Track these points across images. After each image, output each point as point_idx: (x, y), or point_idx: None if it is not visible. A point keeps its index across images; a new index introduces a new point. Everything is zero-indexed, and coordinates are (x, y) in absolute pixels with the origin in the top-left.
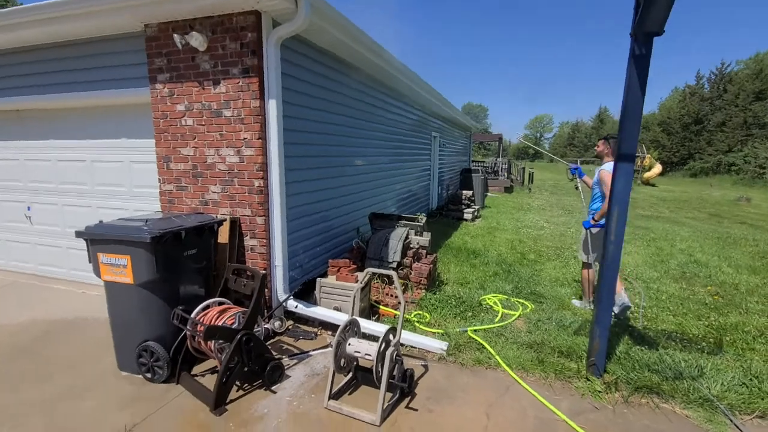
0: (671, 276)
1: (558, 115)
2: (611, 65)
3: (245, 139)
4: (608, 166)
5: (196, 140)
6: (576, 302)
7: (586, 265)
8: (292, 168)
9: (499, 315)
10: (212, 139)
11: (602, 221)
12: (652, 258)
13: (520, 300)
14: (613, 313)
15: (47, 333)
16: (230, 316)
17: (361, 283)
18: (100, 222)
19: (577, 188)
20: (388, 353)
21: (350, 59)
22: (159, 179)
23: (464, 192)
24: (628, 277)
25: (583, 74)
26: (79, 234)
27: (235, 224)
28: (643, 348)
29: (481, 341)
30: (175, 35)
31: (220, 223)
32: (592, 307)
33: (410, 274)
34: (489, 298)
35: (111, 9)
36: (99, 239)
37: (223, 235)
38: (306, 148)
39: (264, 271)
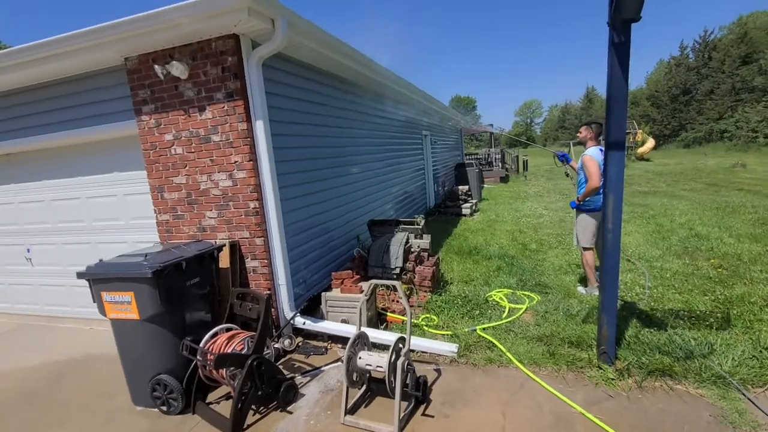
0: (674, 252)
1: (547, 99)
2: (593, 42)
3: (236, 162)
4: (590, 151)
5: (187, 168)
6: (581, 289)
7: (586, 249)
8: (286, 185)
9: (506, 310)
10: (203, 165)
11: (589, 202)
12: (653, 236)
13: (526, 293)
14: (592, 294)
15: (58, 375)
16: (239, 342)
17: (365, 294)
18: (100, 261)
19: (567, 175)
20: (399, 364)
21: (334, 70)
22: (155, 210)
23: (460, 187)
24: (631, 258)
25: (566, 55)
26: (80, 275)
27: (234, 248)
28: (652, 330)
29: (491, 339)
30: (156, 66)
31: (220, 248)
32: (597, 292)
33: (414, 278)
34: (495, 294)
35: (91, 46)
36: (101, 278)
37: (224, 260)
38: (298, 164)
39: (268, 292)
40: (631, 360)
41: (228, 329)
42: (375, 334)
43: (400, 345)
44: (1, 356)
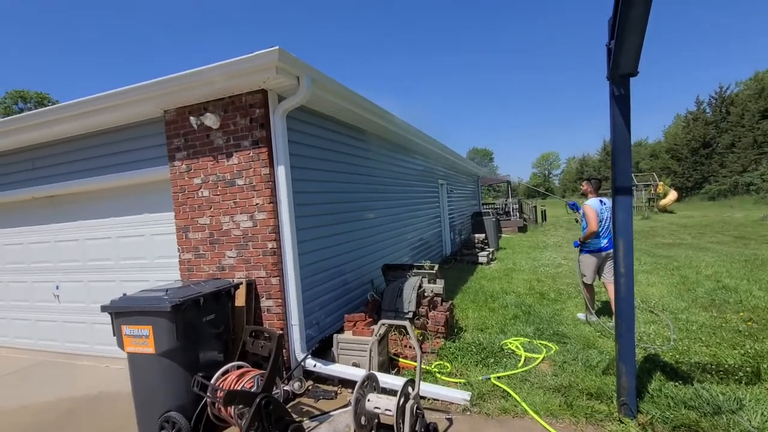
0: (700, 304)
1: (564, 151)
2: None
3: (257, 204)
4: (590, 201)
5: (212, 209)
6: (581, 315)
7: (586, 285)
8: (304, 227)
9: (522, 359)
10: (227, 207)
11: (589, 244)
12: (678, 287)
13: (543, 342)
14: (590, 320)
15: (71, 411)
16: (249, 380)
17: (376, 335)
18: (124, 295)
19: (576, 221)
20: (408, 407)
21: (353, 121)
22: (178, 249)
23: (477, 236)
24: (654, 309)
25: (583, 108)
26: (104, 308)
27: (251, 286)
28: (677, 383)
29: (505, 388)
30: (191, 117)
31: (237, 286)
32: (595, 318)
33: (427, 323)
34: (510, 342)
35: (136, 100)
36: (123, 312)
37: (240, 299)
38: (316, 208)
39: (281, 331)
40: (655, 414)
41: (239, 367)
42: (385, 379)
43: (409, 388)
44: (18, 391)
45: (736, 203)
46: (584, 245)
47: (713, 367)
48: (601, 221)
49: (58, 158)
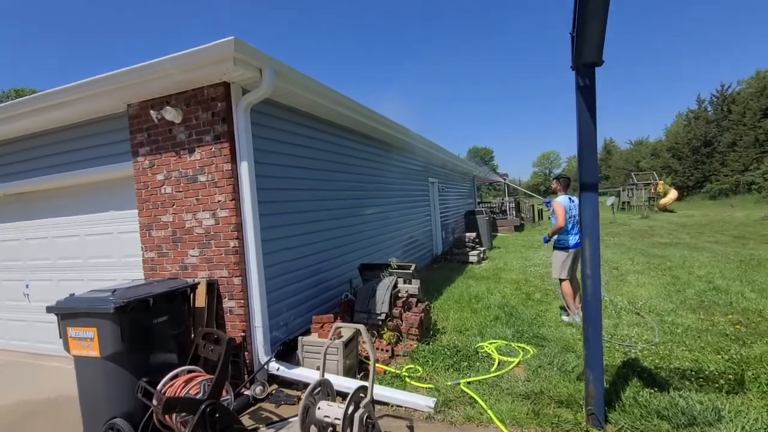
0: (688, 306)
1: (564, 150)
2: (606, 92)
3: (219, 201)
4: (559, 198)
5: (174, 207)
6: (564, 318)
7: (563, 281)
8: (270, 225)
9: (496, 363)
10: (189, 204)
11: (562, 241)
12: (668, 288)
13: (521, 345)
14: (574, 322)
15: (28, 415)
16: (195, 385)
17: (330, 339)
18: (71, 295)
19: (549, 217)
20: (357, 416)
21: (331, 118)
22: (142, 247)
23: (468, 234)
24: (641, 311)
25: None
26: (49, 309)
27: (212, 287)
28: (653, 390)
29: (472, 395)
30: (152, 111)
31: (194, 286)
32: (579, 318)
33: (401, 325)
34: (487, 346)
35: (94, 94)
36: (68, 313)
37: (200, 299)
38: (285, 205)
39: (243, 334)
40: (624, 424)
41: (190, 371)
42: (349, 384)
43: (361, 395)
44: None
45: (737, 202)
46: (557, 242)
47: (693, 373)
48: (570, 218)
49: (25, 154)
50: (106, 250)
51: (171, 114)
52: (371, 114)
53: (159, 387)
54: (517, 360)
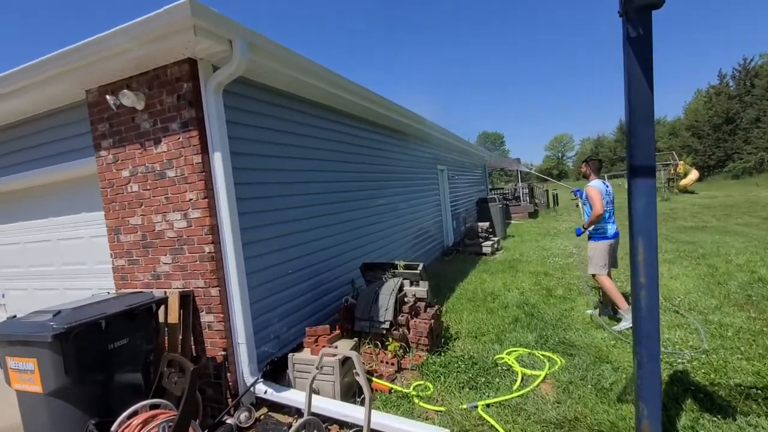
0: (734, 302)
1: (578, 133)
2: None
3: (191, 200)
4: (593, 182)
5: (143, 207)
6: (591, 311)
7: (602, 276)
8: (253, 225)
9: (519, 378)
10: (158, 204)
11: (600, 231)
12: (706, 280)
13: (546, 353)
14: (620, 331)
15: None
16: (154, 427)
17: (317, 368)
18: (12, 317)
19: (577, 206)
20: None
21: (320, 99)
22: (111, 254)
23: (481, 224)
24: (680, 309)
25: (596, 87)
26: None
27: (186, 299)
28: (715, 418)
29: (494, 423)
30: (108, 96)
31: (161, 301)
32: (629, 322)
33: (408, 333)
34: (507, 356)
35: (46, 79)
36: (5, 340)
37: (173, 314)
38: (271, 201)
39: (224, 353)
40: None
41: (153, 406)
42: (345, 411)
43: None
44: None
45: (762, 181)
46: (594, 232)
47: (759, 391)
48: (606, 204)
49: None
50: (80, 256)
51: (129, 99)
52: (371, 96)
53: (113, 428)
54: (543, 374)
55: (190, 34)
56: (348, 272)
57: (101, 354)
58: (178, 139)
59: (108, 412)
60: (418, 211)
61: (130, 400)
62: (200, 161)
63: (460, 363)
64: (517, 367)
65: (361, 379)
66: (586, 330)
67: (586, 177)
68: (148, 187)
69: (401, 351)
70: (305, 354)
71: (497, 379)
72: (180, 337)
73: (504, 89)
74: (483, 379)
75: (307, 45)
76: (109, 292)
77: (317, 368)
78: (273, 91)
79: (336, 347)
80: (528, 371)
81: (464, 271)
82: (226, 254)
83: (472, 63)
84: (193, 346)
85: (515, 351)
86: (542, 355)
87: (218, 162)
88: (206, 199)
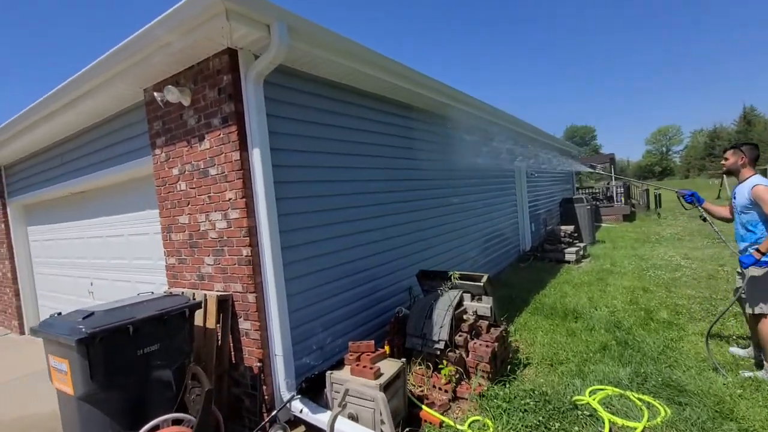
0: None
1: (687, 124)
2: (749, 57)
3: (230, 199)
4: (757, 180)
5: (190, 206)
6: (735, 350)
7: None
8: (294, 228)
9: (606, 430)
10: (202, 203)
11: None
12: None
13: (645, 397)
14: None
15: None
16: None
17: (341, 400)
18: (58, 314)
19: (704, 219)
20: None
21: (375, 90)
22: (164, 252)
23: (564, 227)
24: None
25: (710, 76)
26: (33, 332)
27: (225, 304)
28: None
29: None
30: (156, 93)
31: (196, 305)
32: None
33: (465, 357)
34: (590, 396)
35: (106, 79)
36: (46, 338)
37: (210, 319)
38: (316, 202)
39: (259, 364)
40: None
41: (176, 421)
42: None
43: None
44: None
45: None
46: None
47: None
48: None
49: (79, 151)
50: (145, 251)
51: (174, 94)
52: (436, 85)
53: None
54: (640, 427)
55: (223, 20)
56: (407, 278)
57: (130, 360)
58: (219, 135)
59: (137, 420)
60: (490, 212)
61: (161, 408)
62: (239, 158)
63: (528, 399)
64: (603, 414)
65: (387, 428)
66: (701, 370)
67: (732, 173)
68: (194, 186)
69: (457, 376)
70: (344, 373)
71: (576, 428)
72: (218, 344)
73: (593, 85)
74: (557, 425)
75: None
76: (153, 292)
77: (339, 406)
78: (321, 82)
79: (377, 369)
80: (619, 420)
81: (542, 281)
82: (264, 258)
83: (563, 55)
84: (232, 353)
85: (602, 390)
86: (639, 399)
87: (257, 159)
88: (244, 199)
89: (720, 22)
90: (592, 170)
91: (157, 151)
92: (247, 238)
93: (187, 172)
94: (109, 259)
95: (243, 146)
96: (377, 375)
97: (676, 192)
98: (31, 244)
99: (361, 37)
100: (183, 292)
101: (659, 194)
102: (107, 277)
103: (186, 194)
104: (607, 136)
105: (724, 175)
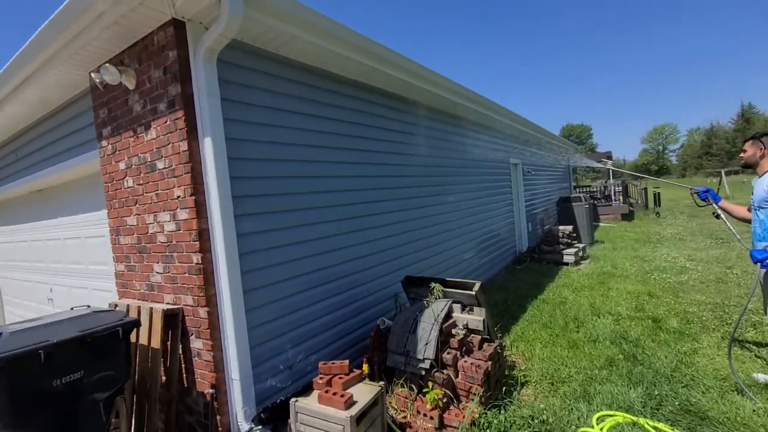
0: None
1: (684, 122)
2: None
3: (179, 197)
4: None
5: (137, 205)
6: (759, 376)
7: None
8: (257, 230)
9: None
10: (150, 201)
11: None
12: None
13: (661, 427)
14: None
15: None
16: None
17: None
18: None
19: (717, 216)
20: None
21: (353, 75)
22: (113, 257)
23: (561, 228)
24: None
25: (707, 73)
26: None
27: (174, 319)
28: None
29: None
30: (92, 75)
31: (130, 324)
32: None
33: (455, 377)
34: (597, 425)
35: (45, 61)
36: None
37: (155, 337)
38: (284, 200)
39: (212, 390)
40: None
41: None
42: None
43: None
44: None
45: None
46: None
47: None
48: None
49: (32, 145)
50: (102, 255)
51: (112, 75)
52: (424, 72)
53: None
54: None
55: None
56: (394, 283)
57: (44, 392)
58: (165, 122)
59: None
60: (485, 211)
61: None
62: (186, 149)
63: (527, 428)
64: None
65: None
66: (723, 392)
67: (750, 165)
68: (141, 182)
69: (445, 400)
70: (311, 400)
71: None
72: (167, 365)
73: (586, 83)
74: None
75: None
76: (89, 305)
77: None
78: (292, 64)
79: (348, 397)
80: None
81: (539, 285)
82: (218, 266)
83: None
84: (185, 376)
85: (611, 417)
86: (654, 428)
87: (209, 150)
88: (193, 197)
89: (717, 19)
90: (602, 164)
91: (104, 143)
92: (197, 242)
93: (133, 166)
94: (66, 263)
95: (192, 135)
96: (349, 404)
97: (690, 189)
98: None
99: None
100: (128, 306)
101: (658, 193)
102: (65, 283)
103: (133, 191)
104: (603, 135)
105: (723, 174)
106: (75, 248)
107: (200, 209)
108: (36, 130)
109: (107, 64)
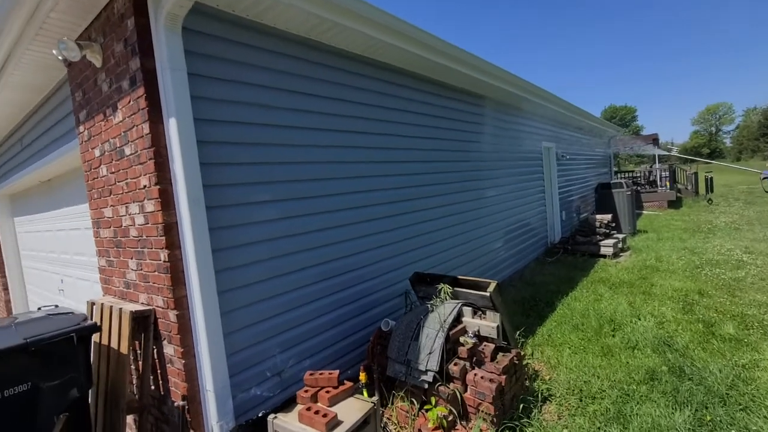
0: None
1: (740, 101)
2: None
3: (144, 187)
4: None
5: (111, 196)
6: None
7: None
8: (234, 224)
9: None
10: (121, 191)
11: None
12: None
13: None
14: None
15: None
16: None
17: None
18: None
19: None
20: None
21: (356, 49)
22: (96, 251)
23: (599, 217)
24: None
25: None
26: None
27: (145, 321)
28: None
29: None
30: (54, 51)
31: (88, 329)
32: None
33: (463, 392)
34: None
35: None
36: None
37: (124, 342)
38: (268, 189)
39: (183, 402)
40: None
41: None
42: None
43: None
44: None
45: None
46: None
47: None
48: None
49: (33, 133)
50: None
51: (72, 51)
52: (442, 46)
53: None
54: None
55: None
56: (404, 279)
57: None
58: (129, 102)
59: None
60: (513, 199)
61: None
62: (149, 131)
63: None
64: None
65: None
66: None
67: None
68: (113, 170)
69: (451, 419)
70: (291, 418)
71: None
72: (139, 372)
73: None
74: None
75: None
76: (57, 305)
77: None
78: (279, 36)
79: (332, 416)
80: None
81: (572, 280)
82: (188, 264)
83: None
84: (160, 383)
85: None
86: None
87: (174, 133)
88: (158, 186)
89: None
90: (668, 152)
91: (81, 128)
92: (163, 237)
93: (106, 153)
94: (72, 254)
95: (156, 116)
96: (331, 426)
97: (760, 174)
98: (18, 235)
99: None
100: (102, 305)
101: (711, 178)
102: (72, 274)
103: (107, 181)
104: (649, 116)
105: None
106: (78, 239)
107: (167, 200)
108: (35, 117)
109: (65, 38)
